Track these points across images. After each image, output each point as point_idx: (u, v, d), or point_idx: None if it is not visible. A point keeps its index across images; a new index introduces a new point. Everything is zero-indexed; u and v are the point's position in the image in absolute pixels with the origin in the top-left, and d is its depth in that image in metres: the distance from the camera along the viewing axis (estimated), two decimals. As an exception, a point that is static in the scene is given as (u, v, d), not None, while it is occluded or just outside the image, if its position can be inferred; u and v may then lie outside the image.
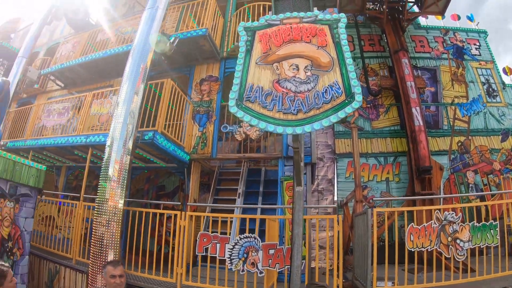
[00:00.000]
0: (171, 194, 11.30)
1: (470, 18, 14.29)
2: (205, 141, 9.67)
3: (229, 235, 7.40)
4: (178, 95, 8.99)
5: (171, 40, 8.76)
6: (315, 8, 6.60)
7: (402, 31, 11.77)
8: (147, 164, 10.09)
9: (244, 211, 8.99)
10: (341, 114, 4.59)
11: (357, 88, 4.70)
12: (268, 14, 10.24)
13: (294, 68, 5.06)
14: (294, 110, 4.65)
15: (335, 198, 10.53)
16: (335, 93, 4.74)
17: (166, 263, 6.94)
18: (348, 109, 4.61)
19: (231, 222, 8.32)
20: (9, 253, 6.37)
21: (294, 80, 4.95)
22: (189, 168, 9.69)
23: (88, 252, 7.74)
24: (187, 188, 9.50)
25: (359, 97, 4.61)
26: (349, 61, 5.08)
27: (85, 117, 9.43)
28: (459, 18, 14.20)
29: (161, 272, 6.73)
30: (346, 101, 4.70)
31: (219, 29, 10.93)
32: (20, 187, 6.76)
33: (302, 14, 5.80)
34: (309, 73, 5.01)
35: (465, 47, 13.16)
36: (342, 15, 5.66)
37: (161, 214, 8.19)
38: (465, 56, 12.99)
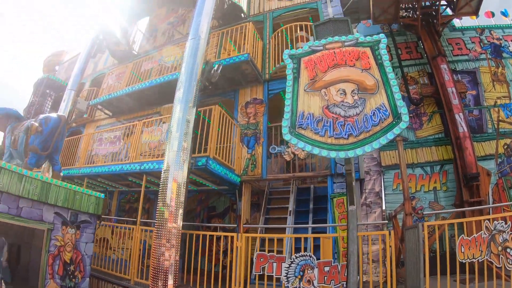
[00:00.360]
0: (222, 214, 11.54)
1: (505, 14, 13.74)
2: (254, 163, 9.92)
3: (284, 253, 7.53)
4: (226, 119, 9.28)
5: (215, 67, 9.08)
6: (355, 30, 6.76)
7: (437, 35, 11.58)
8: (199, 187, 10.39)
9: (296, 228, 9.16)
10: (390, 136, 4.77)
11: (403, 108, 4.89)
12: (303, 32, 10.63)
13: (342, 93, 5.29)
14: (345, 134, 4.86)
15: (384, 211, 10.51)
16: (382, 115, 4.93)
17: (217, 281, 7.25)
18: (396, 130, 4.79)
19: (283, 240, 8.49)
20: (71, 276, 6.79)
21: (342, 105, 5.16)
22: (240, 189, 9.90)
23: (146, 273, 8.21)
24: (238, 209, 9.73)
25: (405, 117, 4.80)
26: (393, 82, 5.26)
27: (136, 145, 9.87)
28: (493, 15, 13.75)
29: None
30: (394, 122, 4.88)
31: (259, 52, 11.18)
32: (81, 214, 7.17)
33: (343, 38, 6.01)
34: (356, 97, 5.21)
35: (502, 45, 12.72)
36: (382, 35, 5.85)
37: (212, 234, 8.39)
38: (504, 54, 12.53)
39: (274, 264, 6.57)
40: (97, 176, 10.94)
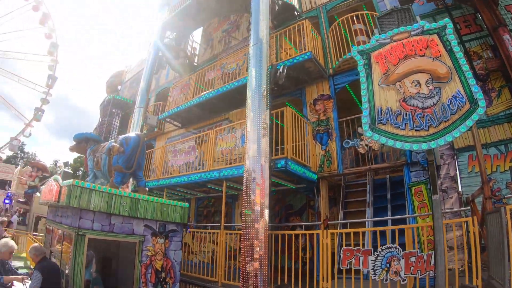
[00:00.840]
0: (299, 212, 11.66)
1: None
2: (330, 159, 10.02)
3: (366, 246, 7.57)
4: (297, 118, 9.45)
5: (280, 69, 9.33)
6: (418, 17, 6.72)
7: (495, 4, 11.06)
8: (277, 187, 10.55)
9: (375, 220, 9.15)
10: (469, 123, 4.83)
11: (479, 94, 4.92)
12: (361, 25, 10.60)
13: (416, 84, 5.37)
14: (425, 126, 4.95)
15: (460, 195, 10.25)
16: (459, 103, 4.98)
17: (304, 278, 7.58)
18: (475, 117, 4.84)
19: (363, 233, 8.51)
20: (163, 283, 7.24)
21: (418, 96, 5.25)
22: (317, 186, 10.04)
23: (231, 275, 8.80)
24: (318, 206, 9.95)
25: (482, 103, 4.84)
26: (465, 67, 5.29)
27: (211, 153, 10.28)
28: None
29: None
30: (471, 108, 4.92)
31: (319, 48, 11.21)
32: (168, 224, 7.60)
33: (409, 27, 6.07)
34: (431, 87, 5.29)
35: None
36: (447, 20, 5.88)
37: (298, 233, 8.55)
38: None
39: (361, 258, 6.66)
40: (176, 186, 11.42)
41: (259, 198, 7.19)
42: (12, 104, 61.43)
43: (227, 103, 12.80)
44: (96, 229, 6.31)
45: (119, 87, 27.62)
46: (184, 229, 8.40)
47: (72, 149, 9.35)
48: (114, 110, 22.27)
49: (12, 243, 6.68)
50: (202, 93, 13.00)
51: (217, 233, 9.32)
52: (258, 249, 6.95)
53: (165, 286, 7.27)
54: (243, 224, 7.32)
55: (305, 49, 10.39)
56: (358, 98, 11.70)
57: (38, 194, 25.91)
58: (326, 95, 10.73)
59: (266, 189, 7.30)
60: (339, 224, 9.55)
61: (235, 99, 12.30)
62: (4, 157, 60.74)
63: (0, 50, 57.36)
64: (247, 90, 8.41)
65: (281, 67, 9.54)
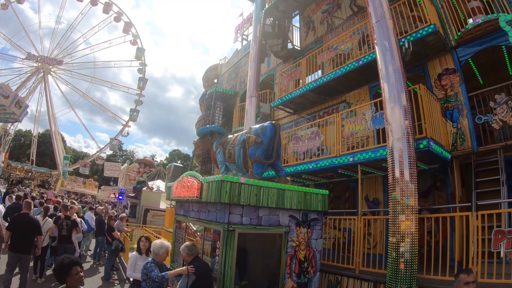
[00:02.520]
0: (426, 193, 11.26)
1: None
2: (462, 136, 9.60)
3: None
4: (427, 95, 9.05)
5: (406, 45, 9.06)
6: None
7: None
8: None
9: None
10: None
11: None
12: None
13: None
14: None
15: None
16: None
17: (429, 263, 7.44)
18: None
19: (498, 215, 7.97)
20: (305, 273, 7.27)
21: None
22: (451, 166, 9.72)
23: (367, 262, 8.63)
24: (451, 187, 9.63)
25: None
26: None
27: (339, 137, 10.17)
28: None
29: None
30: None
31: (436, 19, 10.47)
32: (310, 213, 7.53)
33: None
34: None
35: None
36: None
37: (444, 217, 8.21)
38: None
39: None
40: (301, 173, 11.44)
41: (406, 180, 7.05)
42: (108, 108, 66.19)
43: (344, 85, 12.66)
44: (245, 223, 6.40)
45: (215, 81, 28.43)
46: (324, 217, 8.39)
47: (196, 143, 9.66)
48: (213, 103, 22.81)
49: (167, 243, 6.74)
50: (320, 77, 12.92)
51: (354, 219, 9.21)
52: (408, 234, 6.81)
53: (307, 276, 7.31)
54: (390, 209, 7.22)
55: (425, 22, 9.99)
56: (480, 70, 11.22)
57: (146, 188, 27.31)
58: (451, 69, 10.21)
59: (413, 170, 7.12)
60: (473, 205, 8.91)
61: (353, 80, 12.19)
62: (104, 156, 65.07)
63: (92, 61, 62.04)
64: (380, 68, 8.17)
65: (406, 43, 9.26)
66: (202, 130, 9.23)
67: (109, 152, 68.89)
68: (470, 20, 9.77)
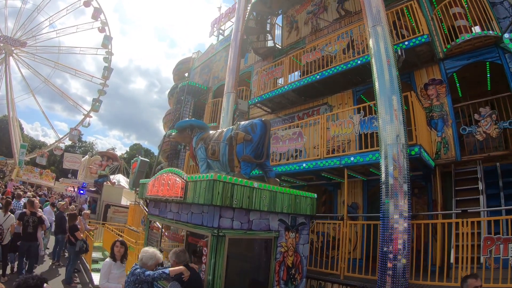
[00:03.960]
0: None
1: None
2: (446, 145, 9.85)
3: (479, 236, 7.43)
4: (413, 104, 9.04)
5: (399, 52, 9.16)
6: None
7: None
8: None
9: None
10: None
11: None
12: (458, 7, 10.22)
13: None
14: None
15: None
16: None
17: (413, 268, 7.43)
18: None
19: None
20: (292, 279, 6.98)
21: None
22: (434, 173, 9.92)
23: (353, 267, 8.65)
24: (433, 194, 9.85)
25: None
26: None
27: (324, 139, 10.11)
28: None
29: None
30: None
31: (426, 30, 10.59)
32: (299, 217, 7.28)
33: None
34: None
35: None
36: None
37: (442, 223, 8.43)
38: None
39: (501, 246, 6.60)
40: (281, 174, 11.18)
41: (398, 186, 7.06)
42: (69, 96, 64.32)
43: (328, 87, 12.72)
44: (236, 227, 5.95)
45: (186, 74, 28.13)
46: (311, 221, 8.25)
47: (174, 138, 9.10)
48: (182, 98, 22.47)
49: (160, 255, 5.92)
50: (304, 76, 12.88)
51: (339, 224, 9.17)
52: (400, 239, 6.84)
53: (294, 282, 7.05)
54: (381, 214, 7.22)
55: (413, 33, 10.39)
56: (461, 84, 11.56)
57: (107, 183, 26.77)
58: (438, 80, 10.53)
59: (405, 176, 7.16)
60: (453, 214, 8.93)
61: (337, 83, 12.27)
62: (62, 146, 63.45)
63: (57, 46, 60.10)
64: (374, 72, 8.20)
65: (399, 50, 9.36)
66: (181, 124, 8.77)
67: (68, 142, 67.03)
68: (461, 35, 9.99)
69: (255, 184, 6.22)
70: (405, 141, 7.42)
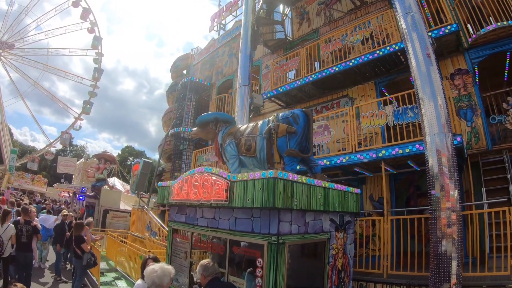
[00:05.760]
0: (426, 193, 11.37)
1: None
2: (477, 135, 9.88)
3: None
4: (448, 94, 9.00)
5: (430, 41, 9.09)
6: None
7: None
8: (420, 167, 10.10)
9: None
10: None
11: None
12: None
13: None
14: None
15: None
16: None
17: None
18: None
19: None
20: (342, 283, 6.58)
21: None
22: (466, 164, 9.91)
23: (397, 265, 8.39)
24: (466, 184, 9.86)
25: None
26: None
27: (355, 132, 9.96)
28: None
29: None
30: None
31: (450, 20, 10.59)
32: (345, 215, 6.83)
33: None
34: None
35: None
36: None
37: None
38: None
39: None
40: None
41: (447, 178, 6.97)
42: (59, 99, 63.65)
43: (349, 78, 12.66)
44: (294, 232, 5.28)
45: (184, 71, 27.89)
46: (356, 219, 7.98)
47: (196, 133, 8.10)
48: (183, 95, 22.46)
49: (169, 268, 4.52)
50: (326, 67, 12.68)
51: (379, 220, 9.06)
52: (451, 234, 6.72)
53: (343, 286, 6.66)
54: (430, 207, 7.12)
55: (436, 23, 10.39)
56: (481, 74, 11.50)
57: (105, 187, 26.45)
58: (464, 70, 10.60)
59: (454, 166, 7.07)
60: (484, 205, 9.10)
61: (361, 74, 12.23)
62: (53, 151, 62.76)
63: (45, 48, 59.35)
64: (411, 61, 8.12)
65: (430, 39, 9.32)
66: (204, 117, 7.74)
67: (59, 146, 66.34)
68: (486, 25, 10.03)
69: (313, 180, 5.71)
70: (451, 130, 7.34)
